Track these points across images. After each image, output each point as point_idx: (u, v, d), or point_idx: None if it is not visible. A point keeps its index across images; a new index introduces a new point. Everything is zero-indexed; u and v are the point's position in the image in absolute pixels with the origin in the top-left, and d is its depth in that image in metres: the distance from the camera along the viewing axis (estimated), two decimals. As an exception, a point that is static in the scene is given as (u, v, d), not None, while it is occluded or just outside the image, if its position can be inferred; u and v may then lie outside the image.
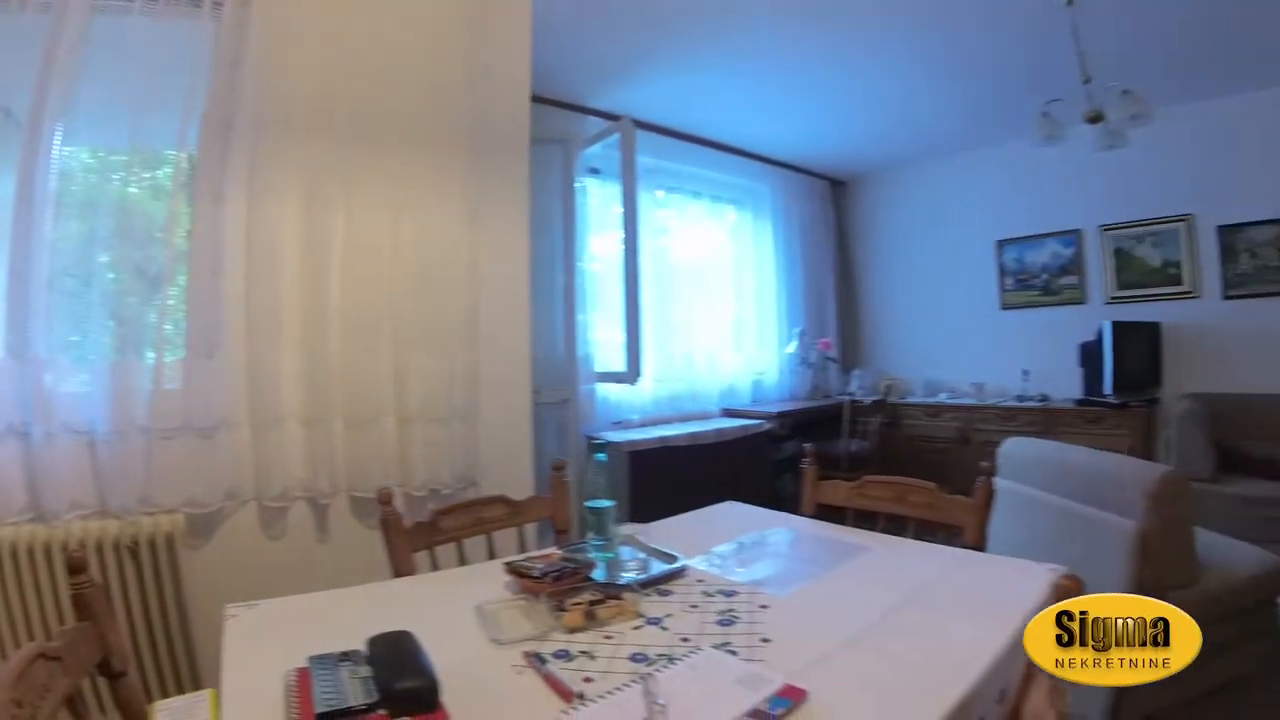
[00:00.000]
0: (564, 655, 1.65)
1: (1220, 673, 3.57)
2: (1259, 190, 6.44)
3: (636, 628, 1.82)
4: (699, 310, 7.16)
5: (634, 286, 5.43)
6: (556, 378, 5.49)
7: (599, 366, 5.79)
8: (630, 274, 5.44)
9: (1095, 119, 4.50)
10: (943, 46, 5.37)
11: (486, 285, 3.90)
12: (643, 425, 6.06)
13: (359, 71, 3.48)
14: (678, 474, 5.30)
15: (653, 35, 4.92)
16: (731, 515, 3.02)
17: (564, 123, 5.76)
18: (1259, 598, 3.59)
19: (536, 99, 5.18)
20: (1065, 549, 3.49)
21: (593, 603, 1.88)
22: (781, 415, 6.56)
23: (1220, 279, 6.68)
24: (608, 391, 5.94)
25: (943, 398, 7.47)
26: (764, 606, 1.94)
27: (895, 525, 2.74)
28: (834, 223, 8.77)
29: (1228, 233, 6.62)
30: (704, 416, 6.60)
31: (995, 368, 7.58)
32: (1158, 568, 3.16)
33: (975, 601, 2.02)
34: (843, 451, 6.27)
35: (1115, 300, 7.18)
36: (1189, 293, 6.84)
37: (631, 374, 5.47)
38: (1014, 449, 4.24)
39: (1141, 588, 3.12)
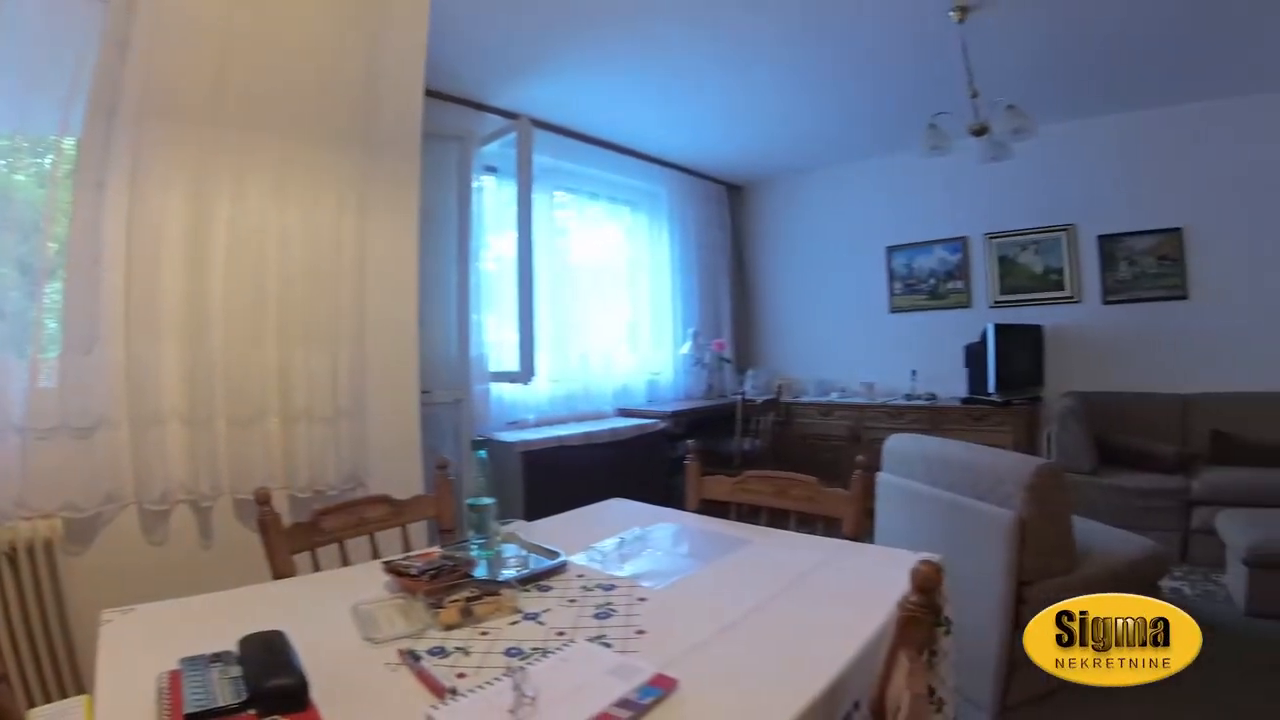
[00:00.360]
0: (439, 652, 1.65)
1: None
2: (1138, 202, 6.82)
3: (514, 623, 1.82)
4: (596, 311, 7.17)
5: (527, 286, 5.43)
6: (450, 377, 5.42)
7: (494, 366, 5.73)
8: (524, 273, 5.43)
9: (980, 132, 4.65)
10: (834, 59, 5.51)
11: (374, 280, 3.84)
12: (538, 425, 6.02)
13: (251, 59, 3.35)
14: (573, 473, 5.26)
15: (553, 34, 4.89)
16: (618, 512, 3.03)
17: (462, 119, 5.69)
18: (1142, 582, 3.73)
19: (434, 94, 5.15)
20: (951, 540, 3.59)
21: (470, 599, 1.87)
22: (676, 414, 6.63)
23: (1100, 285, 7.03)
24: (503, 391, 5.90)
25: (834, 397, 7.64)
26: (642, 599, 1.97)
27: (778, 519, 2.79)
28: (730, 226, 8.88)
29: (1108, 242, 6.97)
30: (599, 416, 6.60)
31: (885, 368, 7.79)
32: (1037, 555, 3.31)
33: (849, 590, 2.09)
34: (736, 450, 6.33)
35: (999, 304, 7.46)
36: (1070, 298, 7.17)
37: (525, 374, 5.45)
38: (898, 445, 4.37)
39: (1022, 574, 3.28)
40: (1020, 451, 6.12)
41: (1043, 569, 3.34)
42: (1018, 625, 3.27)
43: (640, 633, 1.74)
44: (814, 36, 5.08)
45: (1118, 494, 5.57)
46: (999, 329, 6.46)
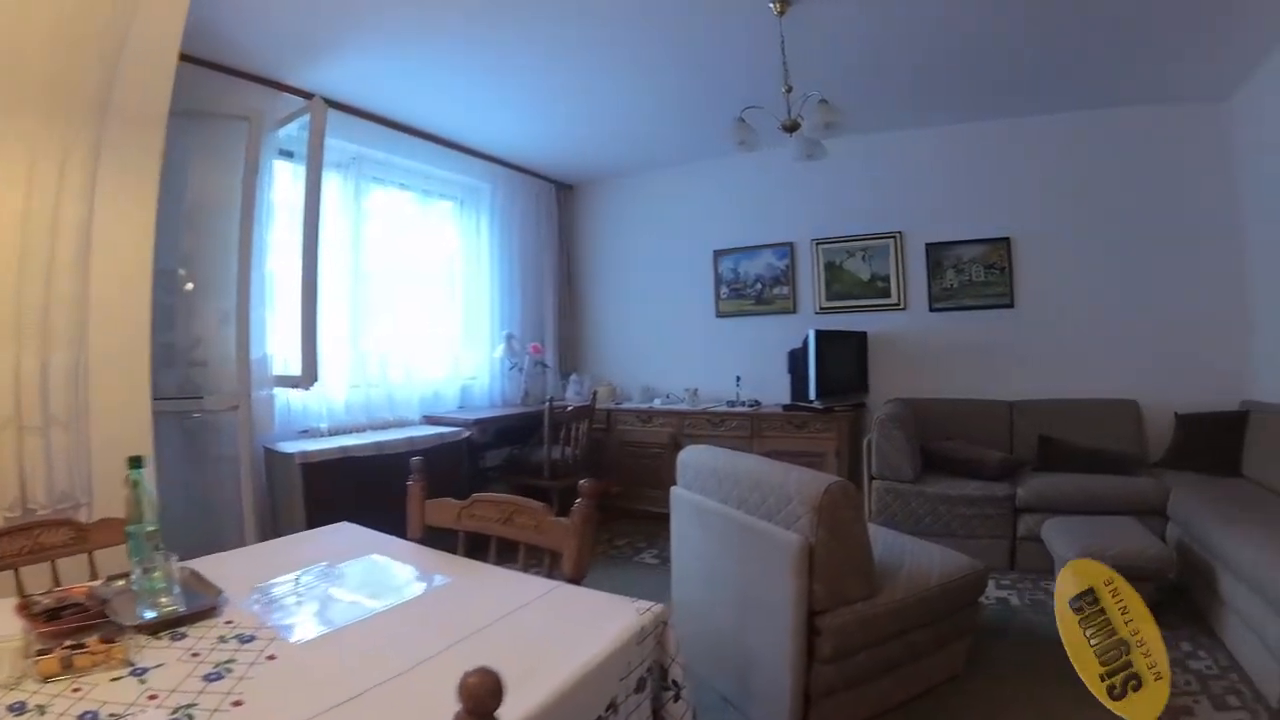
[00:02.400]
0: (19, 709, 1.41)
1: (933, 674, 3.63)
2: (967, 212, 6.99)
3: (115, 678, 1.55)
4: (406, 312, 6.74)
5: (312, 281, 4.99)
6: (229, 382, 4.94)
7: (283, 370, 5.28)
8: (309, 267, 4.99)
9: (792, 128, 4.54)
10: (657, 54, 5.32)
11: (102, 272, 3.44)
12: (332, 434, 5.59)
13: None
14: (362, 487, 4.80)
15: (358, 8, 4.48)
16: (335, 540, 2.75)
17: (254, 99, 5.20)
18: (956, 603, 3.60)
19: (221, 69, 4.86)
20: (743, 565, 3.43)
21: (74, 648, 1.59)
22: (481, 422, 6.28)
23: (927, 292, 7.11)
24: (292, 398, 5.46)
25: (657, 403, 7.45)
26: (271, 658, 1.67)
27: (511, 551, 2.54)
28: (558, 226, 8.60)
29: (936, 250, 7.07)
30: (404, 425, 6.18)
31: (710, 374, 7.70)
32: (830, 582, 3.09)
33: (537, 646, 1.77)
34: (545, 459, 6.06)
35: (825, 310, 7.44)
36: (897, 305, 7.21)
37: (307, 378, 5.01)
38: (692, 457, 4.11)
39: (814, 602, 3.05)
40: (843, 460, 6.13)
41: (838, 596, 3.14)
42: (812, 657, 3.10)
43: (237, 704, 1.45)
44: (637, 29, 4.89)
45: (942, 502, 5.56)
46: (821, 335, 6.34)
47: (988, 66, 5.69)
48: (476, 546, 2.59)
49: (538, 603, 2.03)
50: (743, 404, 7.07)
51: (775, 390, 7.15)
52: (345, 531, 2.84)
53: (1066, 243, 6.75)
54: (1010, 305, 6.89)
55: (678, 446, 6.50)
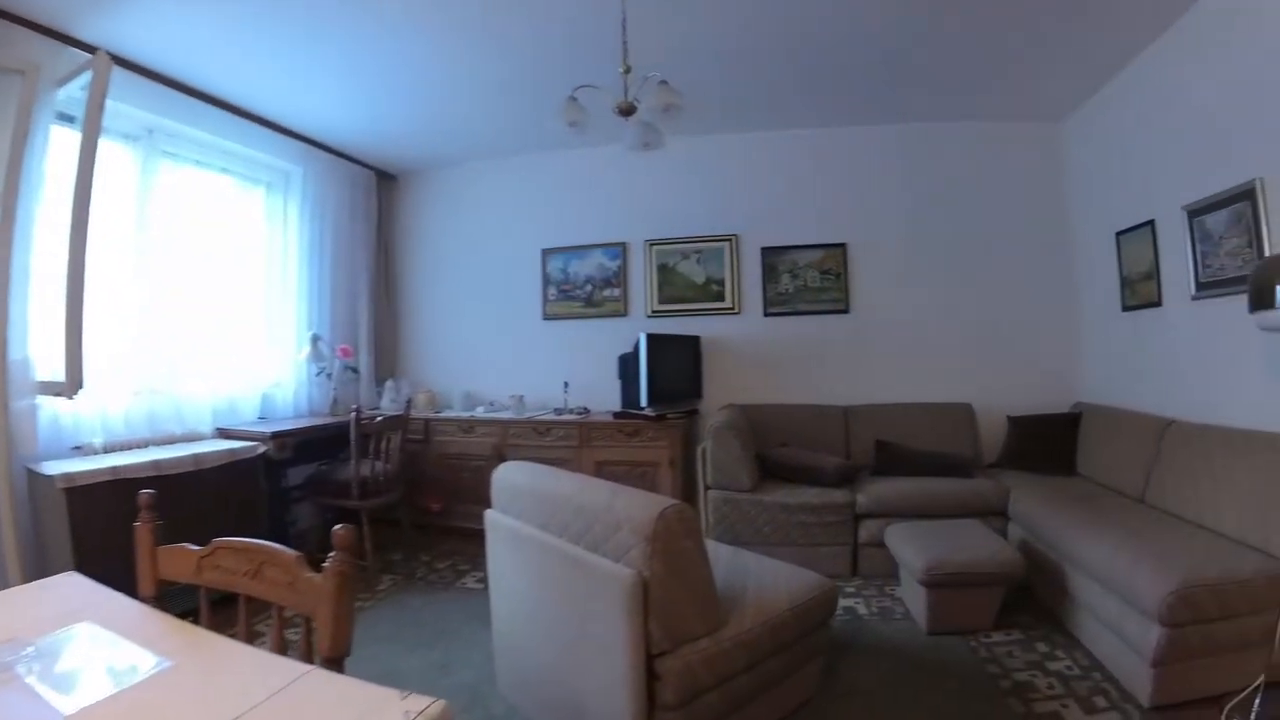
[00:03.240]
0: None
1: (786, 701, 3.36)
2: (803, 216, 6.99)
3: None
4: (200, 309, 5.93)
5: (79, 266, 4.22)
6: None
7: (47, 375, 4.46)
8: (76, 250, 4.23)
9: (628, 111, 4.15)
10: (488, 33, 4.94)
11: None
12: (108, 452, 4.81)
13: None
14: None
15: None
16: (51, 596, 2.08)
17: (30, 49, 4.40)
18: (808, 626, 3.33)
19: None
20: (569, 602, 3.00)
21: None
22: (280, 435, 5.52)
23: (762, 296, 7.01)
24: (62, 409, 4.68)
25: (479, 411, 6.91)
26: None
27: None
28: (376, 218, 7.89)
29: (771, 254, 6.98)
30: (195, 439, 5.43)
31: (538, 380, 7.33)
32: (670, 622, 2.71)
33: None
34: (353, 476, 5.46)
35: (657, 313, 7.19)
36: (731, 309, 7.05)
37: (71, 385, 4.23)
38: (506, 476, 3.61)
39: (653, 644, 2.66)
40: (676, 469, 5.95)
41: (678, 635, 2.76)
42: (654, 703, 2.73)
43: None
44: (462, 18, 4.64)
45: (782, 511, 5.40)
46: (653, 339, 6.04)
47: (835, 73, 5.77)
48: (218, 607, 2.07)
49: (276, 700, 1.44)
50: (571, 411, 6.70)
51: (605, 397, 6.85)
52: (67, 586, 2.17)
53: (903, 250, 6.88)
54: (846, 311, 6.92)
55: (502, 458, 6.13)
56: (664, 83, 3.95)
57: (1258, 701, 3.11)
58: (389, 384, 7.12)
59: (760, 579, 3.47)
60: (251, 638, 2.00)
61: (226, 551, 1.98)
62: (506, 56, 5.25)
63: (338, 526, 1.76)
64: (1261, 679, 3.12)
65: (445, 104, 6.19)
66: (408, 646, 4.24)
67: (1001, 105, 6.43)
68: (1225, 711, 3.21)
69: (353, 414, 5.39)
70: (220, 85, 5.63)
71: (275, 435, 5.43)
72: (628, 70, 4.13)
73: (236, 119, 6.02)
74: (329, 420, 6.23)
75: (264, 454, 5.32)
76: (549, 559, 3.11)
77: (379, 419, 5.63)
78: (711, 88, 5.91)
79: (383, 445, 5.69)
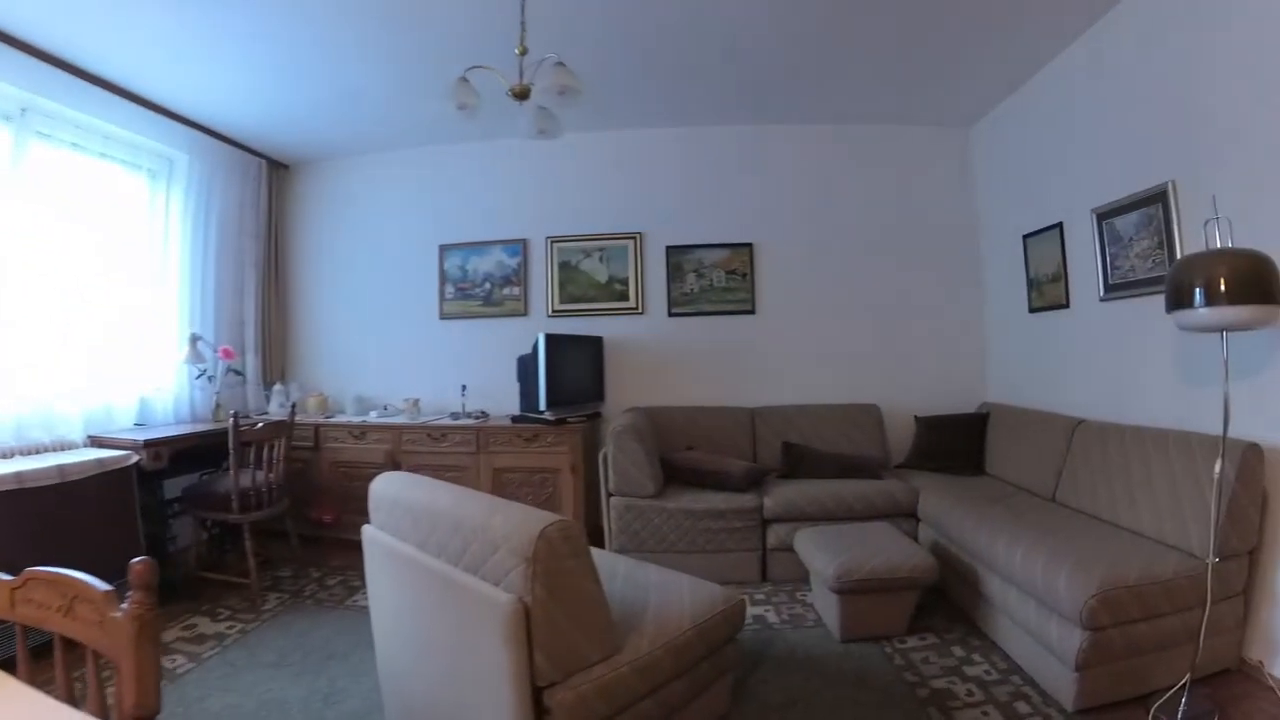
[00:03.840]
0: None
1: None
2: (710, 216, 6.88)
3: None
4: (72, 307, 5.38)
5: None
6: None
7: None
8: None
9: (522, 94, 3.90)
10: (379, 13, 4.67)
11: None
12: None
13: None
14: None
15: None
16: None
17: None
18: (714, 645, 3.10)
19: None
20: (448, 628, 2.71)
21: None
22: (155, 444, 5.06)
23: (666, 296, 6.85)
24: None
25: (372, 416, 6.54)
26: None
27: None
28: (267, 210, 7.36)
29: (676, 253, 6.83)
30: (66, 448, 4.93)
31: (434, 383, 7.02)
32: (557, 651, 2.43)
33: None
34: (233, 487, 5.00)
35: (559, 313, 6.95)
36: (634, 309, 6.87)
37: None
38: (384, 489, 3.26)
39: (539, 676, 2.40)
40: (580, 476, 5.80)
41: (567, 664, 2.48)
42: (542, 745, 2.46)
43: None
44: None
45: (688, 517, 5.24)
46: (553, 339, 5.77)
47: (745, 71, 5.72)
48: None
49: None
50: (469, 416, 6.42)
51: (504, 400, 6.58)
52: None
53: (812, 250, 6.84)
54: (752, 311, 6.83)
55: (396, 466, 5.86)
56: (560, 64, 3.72)
57: (1184, 701, 3.12)
58: (276, 387, 6.73)
59: (662, 595, 3.21)
60: (74, 691, 1.67)
61: (38, 583, 1.63)
62: (402, 34, 4.94)
63: (135, 560, 1.47)
64: (1187, 678, 3.13)
65: (340, 86, 5.78)
66: (293, 673, 3.89)
67: (912, 109, 6.48)
68: (1151, 712, 3.20)
69: (231, 420, 5.02)
70: (103, 62, 5.17)
71: (149, 444, 4.98)
72: (524, 51, 3.90)
73: (119, 100, 5.55)
74: (211, 427, 5.73)
75: (137, 464, 4.86)
76: (426, 581, 2.80)
77: (260, 425, 5.24)
78: (617, 81, 5.76)
79: (266, 454, 5.29)
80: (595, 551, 3.11)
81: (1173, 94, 4.22)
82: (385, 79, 5.64)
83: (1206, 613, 3.13)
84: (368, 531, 3.23)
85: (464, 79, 3.88)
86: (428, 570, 2.77)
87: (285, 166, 7.61)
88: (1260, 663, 3.54)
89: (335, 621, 4.63)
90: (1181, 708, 3.12)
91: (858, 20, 4.85)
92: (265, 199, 7.29)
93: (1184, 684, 3.15)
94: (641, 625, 2.87)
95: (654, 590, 3.25)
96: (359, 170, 7.45)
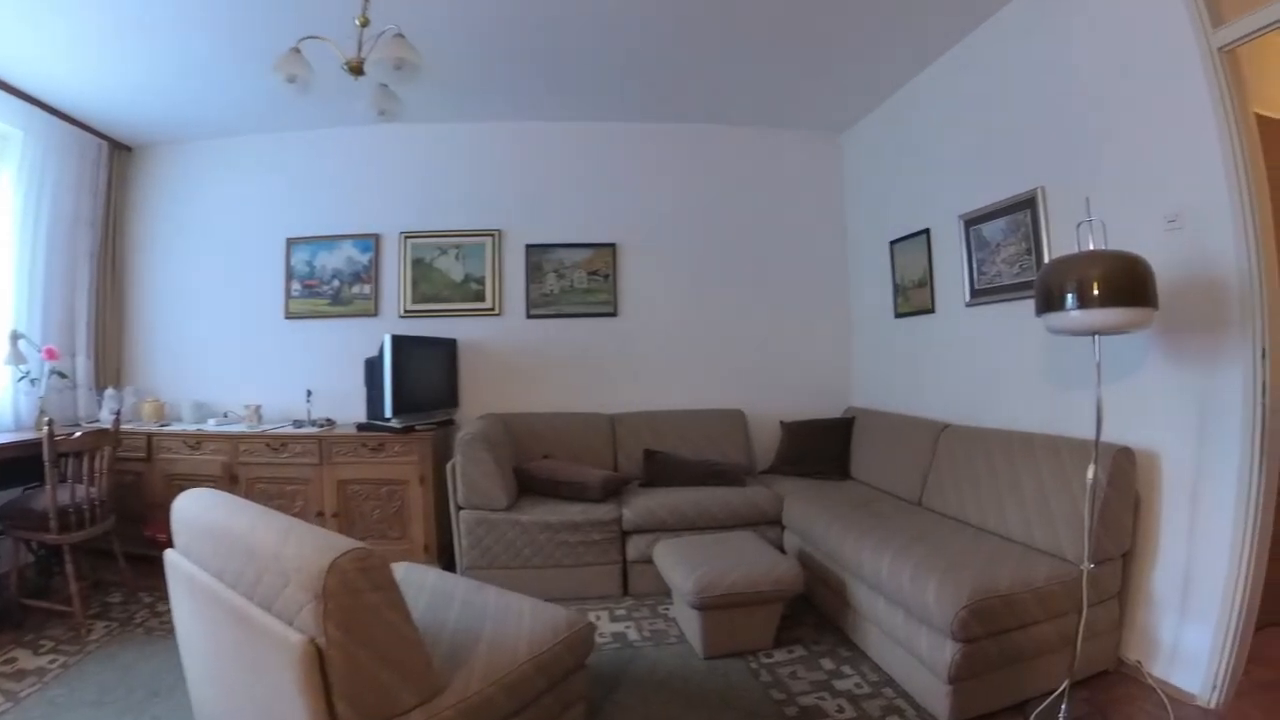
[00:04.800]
0: None
1: None
2: (571, 214, 6.77)
3: None
4: None
5: None
6: None
7: None
8: None
9: (357, 69, 3.61)
10: None
11: None
12: None
13: None
14: None
15: None
16: None
17: None
18: (557, 673, 2.82)
19: None
20: (246, 669, 2.35)
21: None
22: None
23: (525, 297, 6.66)
24: None
25: (210, 424, 6.06)
26: None
27: None
28: (105, 196, 6.71)
29: (536, 252, 6.67)
30: None
31: (279, 387, 6.53)
32: (360, 697, 2.10)
33: None
34: (50, 505, 4.48)
35: (411, 313, 6.62)
36: (491, 309, 6.65)
37: None
38: (186, 508, 2.83)
39: None
40: (429, 487, 5.51)
41: (379, 709, 2.16)
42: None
43: None
44: None
45: (543, 530, 5.00)
46: (400, 341, 5.44)
47: (609, 66, 5.62)
48: None
49: None
50: (314, 424, 6.00)
51: (352, 407, 6.22)
52: None
53: (677, 252, 6.79)
54: (614, 314, 6.71)
55: (234, 479, 5.49)
56: (400, 35, 3.48)
57: (1064, 706, 3.09)
58: (108, 392, 6.20)
59: (499, 623, 2.90)
60: None
61: None
62: (246, 2, 4.55)
63: None
64: (1066, 683, 3.09)
65: (185, 59, 5.28)
66: (114, 712, 3.50)
67: (784, 113, 6.53)
68: (1031, 718, 3.18)
69: (45, 428, 4.53)
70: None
71: None
72: (365, 22, 3.61)
73: None
74: (31, 436, 5.16)
75: None
76: (223, 616, 2.43)
77: (79, 434, 4.77)
78: (473, 70, 5.56)
79: (88, 466, 4.83)
80: (430, 573, 3.02)
81: (1041, 101, 4.31)
82: (230, 52, 5.17)
83: (1083, 619, 3.08)
84: (170, 557, 2.83)
85: (295, 49, 3.60)
86: (224, 603, 2.41)
87: (128, 149, 6.95)
88: (1139, 663, 3.57)
89: (165, 653, 4.17)
90: (1061, 713, 3.09)
91: (730, 18, 4.77)
92: (104, 183, 6.66)
93: (1063, 690, 3.10)
94: (471, 660, 2.56)
95: (491, 618, 2.93)
96: (205, 155, 6.90)
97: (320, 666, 2.05)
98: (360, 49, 3.63)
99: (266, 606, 2.24)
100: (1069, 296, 3.01)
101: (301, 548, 2.21)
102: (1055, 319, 3.12)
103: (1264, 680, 3.43)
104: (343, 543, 2.21)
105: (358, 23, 3.62)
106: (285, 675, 2.07)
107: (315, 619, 2.06)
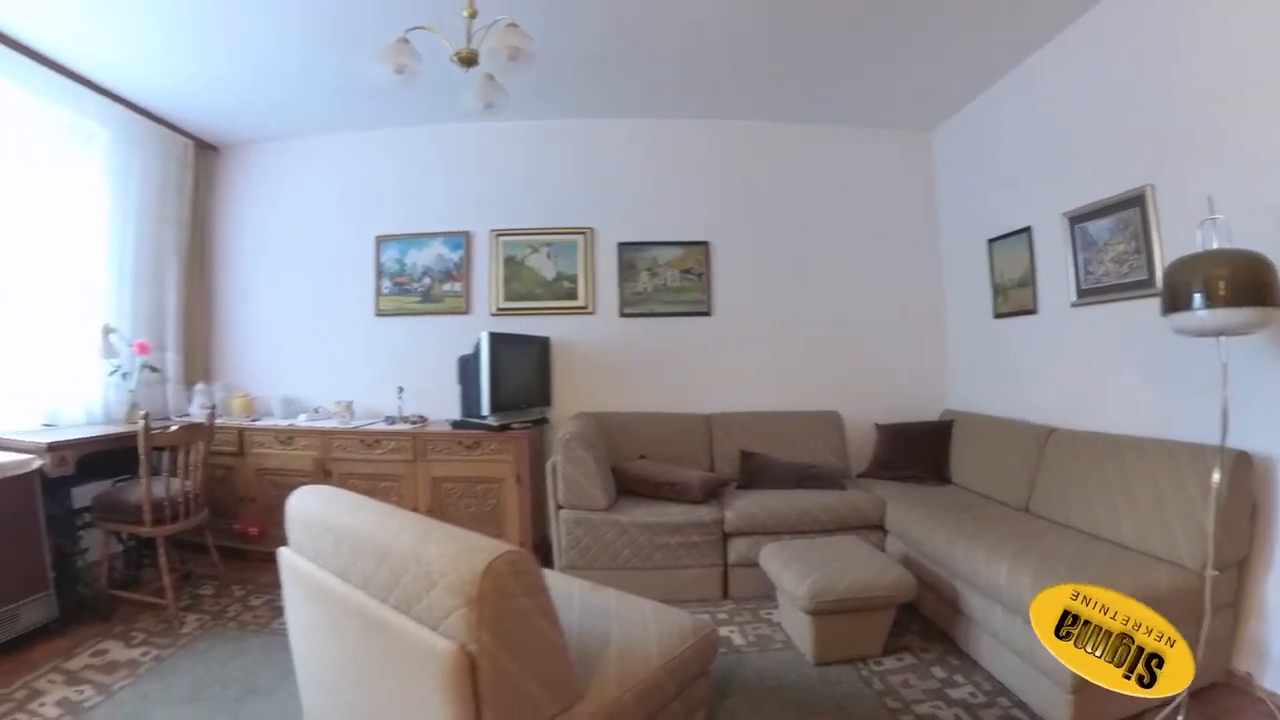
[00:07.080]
0: None
1: None
2: (664, 212, 6.73)
3: None
4: None
5: None
6: None
7: None
8: None
9: (469, 60, 3.63)
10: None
11: None
12: None
13: None
14: None
15: None
16: None
17: None
18: (684, 681, 2.80)
19: None
20: (376, 676, 2.30)
21: None
22: (60, 447, 4.60)
23: (618, 296, 6.67)
24: None
25: (301, 420, 6.21)
26: None
27: None
28: (191, 195, 6.91)
29: (628, 250, 6.66)
30: None
31: (369, 384, 6.66)
32: (508, 705, 2.05)
33: None
34: (144, 498, 4.59)
35: (503, 311, 6.69)
36: (584, 308, 6.67)
37: None
38: (303, 506, 2.80)
39: None
40: (525, 486, 5.54)
41: (525, 717, 2.11)
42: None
43: None
44: None
45: (643, 532, 5.01)
46: (496, 339, 5.53)
47: (706, 64, 5.60)
48: None
49: None
50: (406, 420, 6.11)
51: (444, 404, 6.29)
52: None
53: (770, 251, 6.76)
54: (708, 313, 6.70)
55: (327, 474, 5.55)
56: (514, 25, 3.49)
57: (1181, 717, 3.05)
58: (198, 387, 6.35)
59: (625, 627, 2.89)
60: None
61: None
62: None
63: None
64: (1184, 693, 3.01)
65: (277, 60, 5.41)
66: (208, 709, 3.50)
67: (875, 112, 6.49)
68: None
69: (141, 421, 4.62)
70: (12, 22, 4.77)
71: (53, 447, 4.54)
72: (473, 14, 3.66)
73: (30, 62, 5.10)
74: (124, 429, 5.28)
75: (40, 469, 4.43)
76: (350, 620, 2.37)
77: (174, 428, 4.85)
78: (567, 66, 5.55)
79: (182, 459, 4.91)
80: (548, 575, 2.77)
81: (1149, 96, 4.22)
82: (324, 52, 5.28)
83: (1206, 626, 3.05)
84: (285, 555, 2.81)
85: (404, 39, 3.63)
86: (351, 606, 2.35)
87: (214, 149, 7.15)
88: (1249, 674, 3.52)
89: (259, 648, 4.21)
90: (1180, 722, 3.05)
91: (823, 17, 4.81)
92: (191, 183, 6.86)
93: (1180, 701, 3.04)
94: (604, 665, 2.55)
95: (615, 621, 2.94)
96: (293, 155, 7.07)
97: (470, 675, 1.99)
98: (469, 40, 3.64)
99: (404, 610, 2.18)
100: (1196, 296, 2.99)
101: (447, 549, 2.13)
102: (1182, 319, 3.10)
103: (1378, 695, 3.36)
104: (491, 544, 2.14)
105: (465, 14, 3.65)
106: (428, 684, 2.02)
107: (467, 625, 1.99)
